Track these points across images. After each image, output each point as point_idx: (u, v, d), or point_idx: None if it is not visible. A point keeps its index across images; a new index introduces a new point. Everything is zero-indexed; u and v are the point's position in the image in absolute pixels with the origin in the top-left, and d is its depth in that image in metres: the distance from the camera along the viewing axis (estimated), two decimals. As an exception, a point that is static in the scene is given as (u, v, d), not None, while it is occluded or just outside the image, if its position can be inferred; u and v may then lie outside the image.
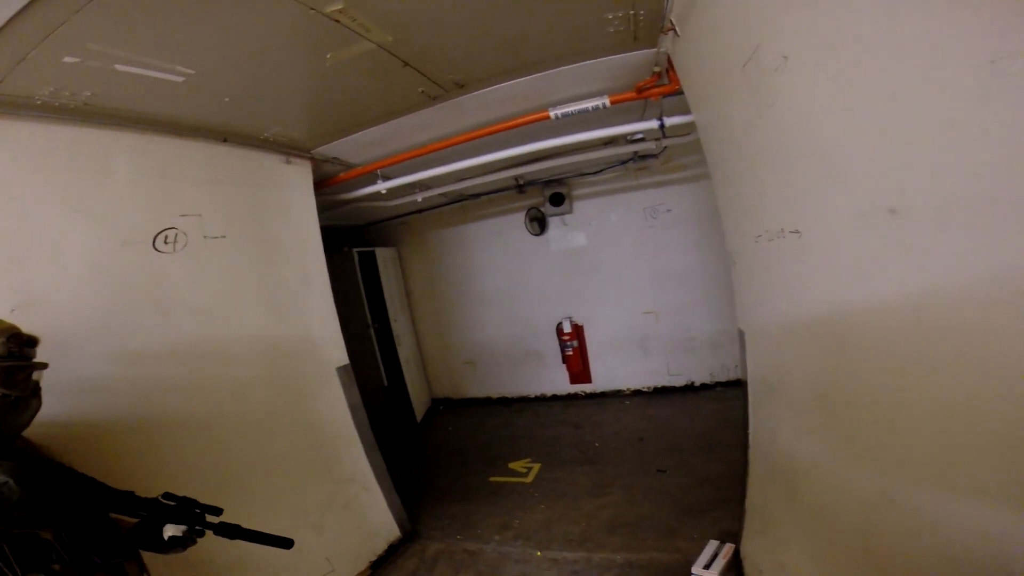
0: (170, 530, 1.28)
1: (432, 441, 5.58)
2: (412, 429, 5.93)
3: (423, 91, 2.85)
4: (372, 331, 5.62)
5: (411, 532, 3.54)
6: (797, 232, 1.65)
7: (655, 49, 2.69)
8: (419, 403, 6.26)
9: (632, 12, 2.30)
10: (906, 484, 1.32)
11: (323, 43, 2.13)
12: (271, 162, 3.22)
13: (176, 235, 2.53)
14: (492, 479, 4.24)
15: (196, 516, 1.34)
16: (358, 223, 6.35)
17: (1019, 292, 0.91)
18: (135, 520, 1.31)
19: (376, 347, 5.64)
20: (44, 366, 1.34)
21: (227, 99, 2.45)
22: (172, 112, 2.45)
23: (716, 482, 3.45)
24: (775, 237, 1.82)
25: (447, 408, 6.60)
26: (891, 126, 1.12)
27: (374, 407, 4.19)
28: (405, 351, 6.16)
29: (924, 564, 1.26)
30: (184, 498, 1.37)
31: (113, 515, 1.31)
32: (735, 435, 2.72)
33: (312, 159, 3.48)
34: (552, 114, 3.16)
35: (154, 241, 2.43)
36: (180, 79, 2.13)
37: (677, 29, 2.31)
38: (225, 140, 2.86)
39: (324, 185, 3.82)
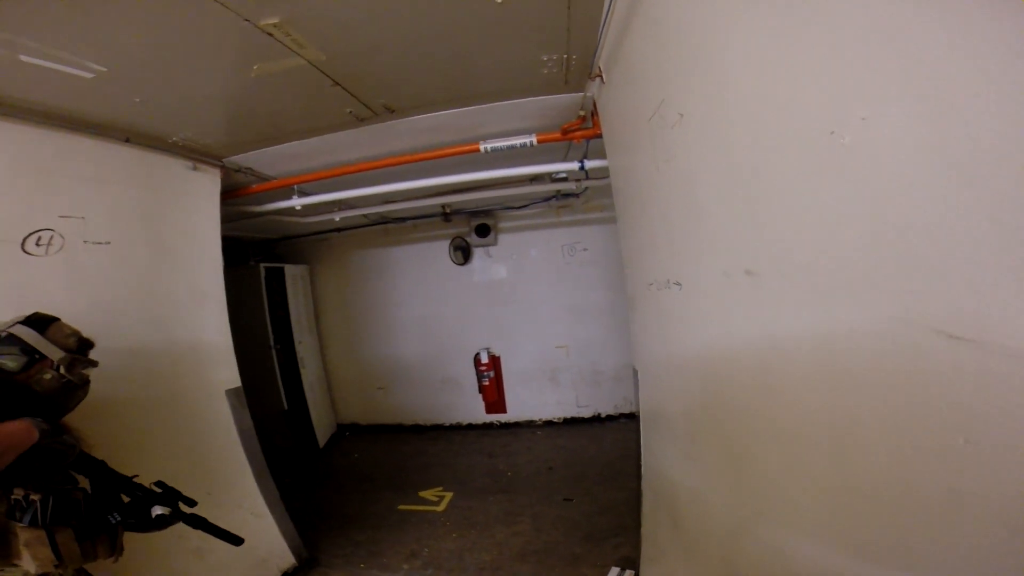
0: (158, 510, 1.54)
1: (337, 468, 5.28)
2: (314, 455, 5.58)
3: (351, 112, 2.83)
4: (274, 352, 5.30)
5: (308, 559, 3.33)
6: (679, 284, 1.77)
7: (582, 93, 2.84)
8: (323, 428, 5.91)
9: (566, 56, 2.43)
10: (757, 517, 1.41)
11: (252, 54, 2.07)
12: (176, 167, 2.99)
13: (52, 237, 2.25)
14: (401, 507, 4.08)
15: (177, 503, 1.60)
16: (270, 236, 5.99)
17: (844, 351, 0.95)
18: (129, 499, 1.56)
19: (277, 369, 5.31)
20: (96, 364, 1.63)
21: (138, 99, 2.29)
22: (74, 107, 2.25)
23: (618, 509, 3.59)
24: (662, 287, 1.94)
25: (354, 434, 6.28)
26: (751, 196, 1.19)
27: (271, 431, 3.89)
28: (310, 374, 5.82)
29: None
30: (171, 487, 1.63)
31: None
32: (635, 465, 2.88)
33: (223, 167, 3.29)
34: (483, 147, 3.20)
35: (24, 242, 2.15)
36: (90, 75, 1.97)
37: (604, 76, 2.40)
38: (128, 140, 2.64)
39: (233, 195, 3.60)
